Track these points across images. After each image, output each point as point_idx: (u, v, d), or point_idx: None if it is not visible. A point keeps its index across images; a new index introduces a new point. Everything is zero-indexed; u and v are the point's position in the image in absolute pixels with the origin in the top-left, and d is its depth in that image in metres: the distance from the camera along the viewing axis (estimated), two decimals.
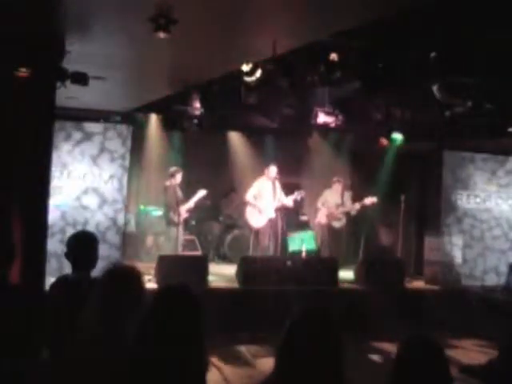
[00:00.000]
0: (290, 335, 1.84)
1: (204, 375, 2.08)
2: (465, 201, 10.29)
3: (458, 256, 9.60)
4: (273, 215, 9.24)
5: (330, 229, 9.88)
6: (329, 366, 1.79)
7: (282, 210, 9.36)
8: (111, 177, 9.01)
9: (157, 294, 2.20)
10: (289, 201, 9.28)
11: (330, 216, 9.82)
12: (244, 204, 9.64)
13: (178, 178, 9.01)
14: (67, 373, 2.40)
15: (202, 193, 8.84)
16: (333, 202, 9.83)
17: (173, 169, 9.13)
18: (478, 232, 10.29)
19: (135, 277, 2.58)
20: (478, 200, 10.32)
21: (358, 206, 9.65)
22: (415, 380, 1.80)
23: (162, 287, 2.27)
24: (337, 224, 9.85)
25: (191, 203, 8.91)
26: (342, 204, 9.82)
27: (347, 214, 9.85)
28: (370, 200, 9.52)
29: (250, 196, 9.32)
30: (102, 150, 8.94)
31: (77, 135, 8.78)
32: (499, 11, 4.72)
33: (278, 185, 9.36)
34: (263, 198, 9.27)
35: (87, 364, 2.35)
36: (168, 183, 9.03)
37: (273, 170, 9.27)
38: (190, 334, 2.08)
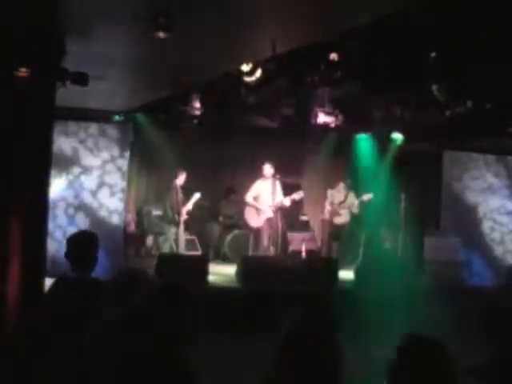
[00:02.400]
0: (289, 336, 1.84)
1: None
2: (465, 200, 10.31)
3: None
4: (270, 214, 9.21)
5: (331, 225, 9.97)
6: (328, 366, 1.79)
7: (282, 210, 9.35)
8: (111, 175, 9.01)
9: (154, 292, 2.20)
10: (286, 201, 9.25)
11: (333, 212, 9.93)
12: (243, 205, 9.69)
13: (182, 178, 9.09)
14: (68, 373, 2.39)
15: (197, 196, 9.02)
16: (337, 201, 9.97)
17: (177, 170, 9.20)
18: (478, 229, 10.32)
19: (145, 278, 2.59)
20: (478, 200, 10.33)
21: (356, 202, 9.82)
22: (418, 380, 1.79)
23: (159, 287, 2.28)
24: (338, 220, 9.95)
25: (190, 205, 9.04)
26: (345, 201, 9.93)
27: (349, 211, 9.92)
28: (366, 196, 9.68)
29: (249, 197, 9.37)
30: (103, 149, 8.96)
31: (77, 134, 8.80)
32: (499, 11, 4.72)
33: (278, 184, 9.35)
34: (262, 199, 9.28)
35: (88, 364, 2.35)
36: (172, 184, 9.09)
37: (267, 168, 9.27)
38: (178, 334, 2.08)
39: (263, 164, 9.38)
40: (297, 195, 9.41)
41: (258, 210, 9.29)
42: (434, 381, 1.79)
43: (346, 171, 11.27)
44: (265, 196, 9.27)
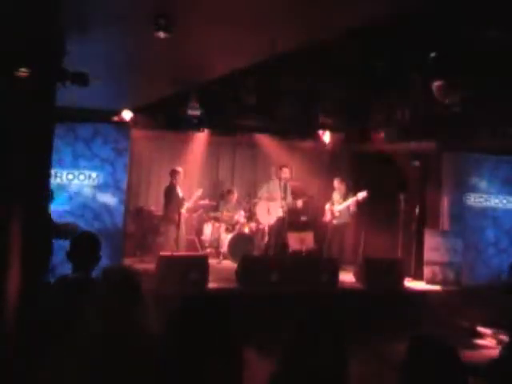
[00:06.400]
0: (292, 338, 1.83)
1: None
2: (466, 200, 10.30)
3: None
4: (281, 214, 9.47)
5: (331, 226, 9.99)
6: (331, 367, 1.78)
7: (291, 212, 9.59)
8: (110, 174, 9.00)
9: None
10: (299, 203, 9.54)
11: (331, 214, 9.97)
12: (250, 203, 9.94)
13: (179, 177, 9.11)
14: (66, 373, 2.39)
15: (198, 192, 9.11)
16: (335, 201, 10.01)
17: (173, 169, 9.23)
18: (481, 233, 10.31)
19: (131, 276, 2.59)
20: (478, 199, 10.33)
21: (351, 201, 9.81)
22: (426, 380, 1.79)
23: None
24: (335, 221, 9.96)
25: (190, 203, 9.08)
26: (342, 202, 9.95)
27: (348, 211, 9.91)
28: (361, 195, 9.64)
29: (262, 193, 9.67)
30: (103, 149, 8.96)
31: (77, 134, 8.81)
32: (499, 11, 4.73)
33: (288, 186, 9.57)
34: (273, 198, 9.53)
35: (87, 364, 2.35)
36: (169, 183, 9.11)
37: (285, 171, 9.63)
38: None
39: (281, 167, 9.66)
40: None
41: (269, 209, 9.52)
42: (445, 381, 1.78)
43: (346, 171, 11.28)
44: (277, 196, 9.52)
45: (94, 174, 8.88)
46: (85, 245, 3.24)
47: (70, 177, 8.76)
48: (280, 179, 9.62)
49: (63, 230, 5.98)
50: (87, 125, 8.83)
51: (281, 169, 9.68)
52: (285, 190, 9.59)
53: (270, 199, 9.63)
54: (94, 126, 8.87)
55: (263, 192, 9.77)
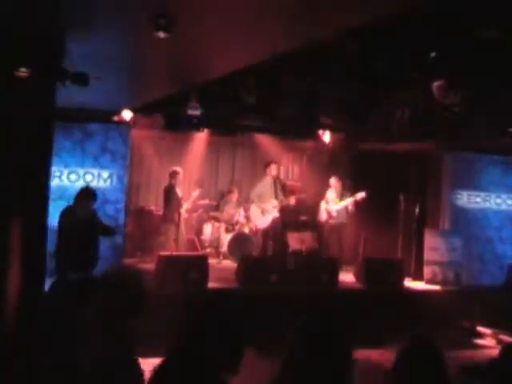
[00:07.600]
0: (294, 338, 1.83)
1: None
2: (465, 201, 10.31)
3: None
4: (276, 214, 9.44)
5: (328, 226, 9.97)
6: (333, 368, 1.78)
7: (284, 210, 9.54)
8: (111, 175, 9.01)
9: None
10: (292, 200, 9.51)
11: (328, 213, 9.93)
12: (248, 203, 9.88)
13: (179, 178, 9.13)
14: (66, 374, 2.39)
15: (195, 193, 9.16)
16: (331, 201, 9.94)
17: (173, 169, 9.24)
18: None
19: (135, 278, 2.59)
20: (478, 200, 10.34)
21: (349, 201, 9.71)
22: (415, 381, 1.80)
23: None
24: (332, 221, 9.91)
25: (189, 204, 9.12)
26: (339, 201, 9.92)
27: (345, 211, 9.87)
28: (360, 195, 9.57)
29: (253, 196, 9.57)
30: (103, 149, 8.96)
31: (78, 134, 8.82)
32: (499, 11, 4.73)
33: (278, 184, 9.55)
34: (266, 198, 9.48)
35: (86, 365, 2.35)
36: (168, 183, 9.12)
37: (273, 168, 9.46)
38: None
39: (268, 164, 9.58)
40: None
41: (263, 210, 9.47)
42: (432, 382, 1.79)
43: (345, 171, 11.28)
44: (268, 195, 9.48)
45: (93, 174, 8.88)
46: (85, 244, 3.24)
47: (73, 177, 8.76)
48: (270, 176, 9.59)
49: (105, 229, 6.44)
50: (86, 125, 8.82)
51: (269, 165, 9.63)
52: (276, 188, 9.57)
53: (263, 200, 9.55)
54: (93, 126, 8.86)
55: (256, 192, 9.66)
